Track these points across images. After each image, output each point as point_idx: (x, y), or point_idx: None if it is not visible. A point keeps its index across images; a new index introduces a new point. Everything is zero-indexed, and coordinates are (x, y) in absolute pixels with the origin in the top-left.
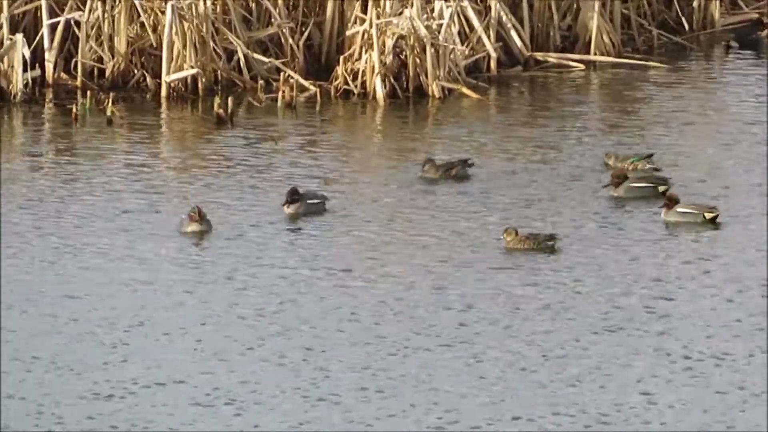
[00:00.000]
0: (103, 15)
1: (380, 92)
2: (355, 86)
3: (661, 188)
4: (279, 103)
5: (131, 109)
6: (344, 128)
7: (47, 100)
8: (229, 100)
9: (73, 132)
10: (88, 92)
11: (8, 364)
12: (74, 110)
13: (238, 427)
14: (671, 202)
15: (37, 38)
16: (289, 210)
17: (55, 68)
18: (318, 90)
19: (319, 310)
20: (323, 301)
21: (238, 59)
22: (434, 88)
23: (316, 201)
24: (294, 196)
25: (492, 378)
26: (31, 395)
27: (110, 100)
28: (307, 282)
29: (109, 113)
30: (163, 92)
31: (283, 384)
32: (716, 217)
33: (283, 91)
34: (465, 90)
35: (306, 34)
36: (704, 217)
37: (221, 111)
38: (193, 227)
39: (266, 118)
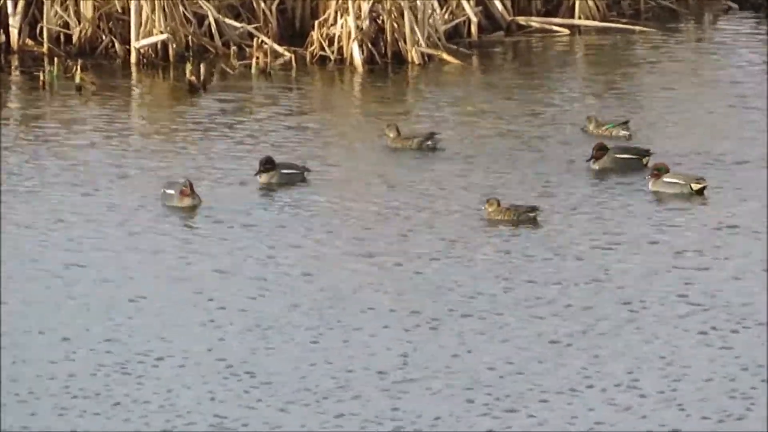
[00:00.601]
0: None
1: (358, 58)
2: (332, 52)
3: (645, 159)
4: (253, 70)
5: (100, 76)
6: (321, 95)
7: (13, 67)
8: (201, 67)
9: (41, 100)
10: (56, 59)
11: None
12: (42, 78)
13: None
14: (659, 172)
15: (0, 3)
16: (262, 179)
17: (19, 34)
18: (293, 56)
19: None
20: (341, 279)
21: (209, 24)
22: (413, 54)
23: (292, 171)
24: (267, 165)
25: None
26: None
27: (78, 67)
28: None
29: (78, 80)
30: (133, 59)
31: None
32: (704, 188)
33: (257, 58)
34: (445, 56)
35: None
36: (691, 188)
37: (193, 78)
38: (186, 202)
39: (240, 85)
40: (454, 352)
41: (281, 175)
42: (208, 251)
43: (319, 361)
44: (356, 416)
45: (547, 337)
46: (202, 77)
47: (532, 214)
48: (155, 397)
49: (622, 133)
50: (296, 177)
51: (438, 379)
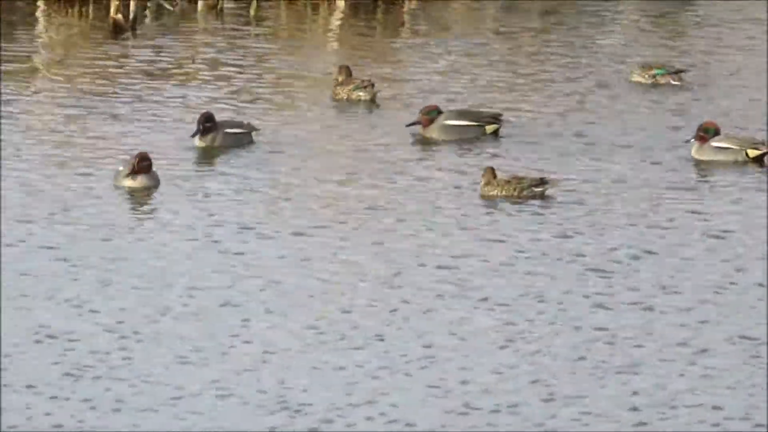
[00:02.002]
0: None
1: None
2: None
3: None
4: (199, 6)
5: None
6: (287, 41)
7: None
8: (131, 2)
9: None
10: None
11: None
12: None
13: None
14: (706, 134)
15: None
16: (199, 142)
17: None
18: None
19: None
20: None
21: None
22: None
23: (238, 131)
24: (207, 124)
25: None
26: None
27: None
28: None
29: None
30: None
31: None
32: (764, 155)
33: None
34: None
35: None
36: (747, 154)
37: (119, 16)
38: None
39: (181, 26)
40: None
41: (225, 136)
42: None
43: None
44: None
45: None
46: (131, 15)
47: (538, 189)
48: None
49: (673, 83)
50: (244, 138)
51: None
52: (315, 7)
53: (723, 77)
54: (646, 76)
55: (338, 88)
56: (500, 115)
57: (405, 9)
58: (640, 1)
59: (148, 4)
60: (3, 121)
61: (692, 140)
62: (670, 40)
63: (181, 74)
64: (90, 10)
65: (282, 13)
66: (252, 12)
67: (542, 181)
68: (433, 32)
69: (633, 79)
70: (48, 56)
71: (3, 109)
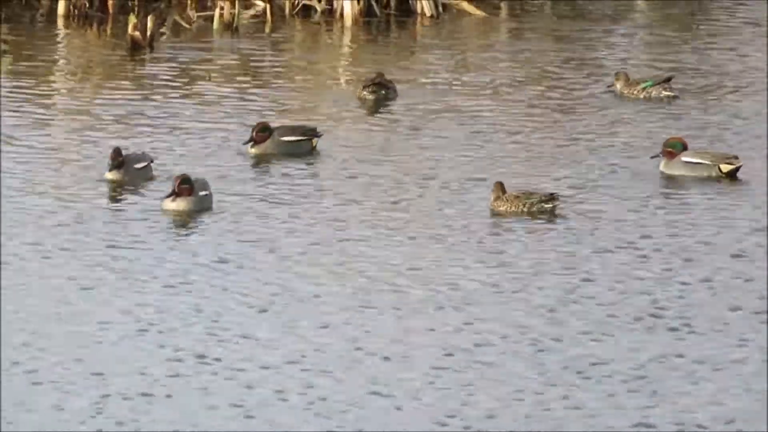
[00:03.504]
0: None
1: (349, 9)
2: (318, 0)
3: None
4: (215, 24)
5: (17, 31)
6: (300, 57)
7: None
8: (149, 20)
9: None
10: None
11: None
12: None
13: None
14: (673, 149)
15: None
16: (110, 175)
17: None
18: (268, 6)
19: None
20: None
21: None
22: (424, 4)
23: (142, 165)
24: (118, 158)
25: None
26: None
27: None
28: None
29: None
30: (61, 9)
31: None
32: (737, 169)
33: (221, 8)
34: (465, 5)
35: None
36: (720, 169)
37: (137, 33)
38: (112, 175)
39: (197, 43)
40: None
41: (133, 171)
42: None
43: None
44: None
45: None
46: (148, 33)
47: (548, 205)
48: None
49: (664, 93)
50: (147, 172)
51: None
52: (329, 24)
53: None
54: (635, 91)
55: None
56: (315, 128)
57: (418, 25)
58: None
59: (164, 23)
60: (23, 141)
61: (660, 155)
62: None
63: (197, 91)
64: (108, 28)
65: (296, 30)
66: (267, 29)
67: (552, 197)
68: (446, 47)
69: (624, 93)
70: (67, 73)
71: (23, 127)
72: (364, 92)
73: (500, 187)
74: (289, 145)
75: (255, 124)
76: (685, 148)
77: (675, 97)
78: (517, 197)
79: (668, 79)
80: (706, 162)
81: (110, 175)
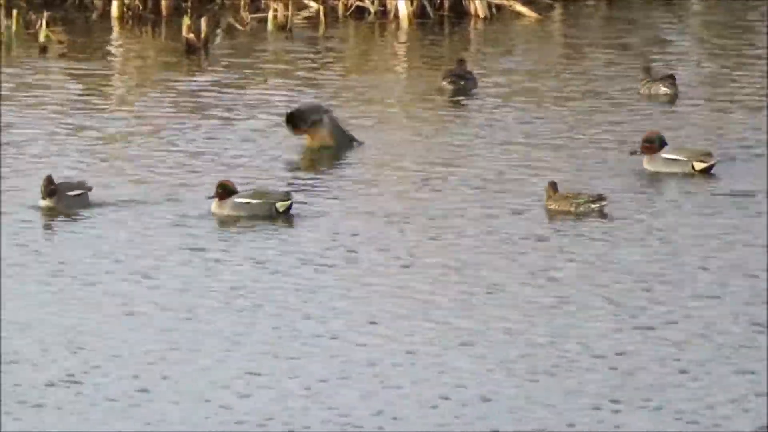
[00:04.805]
0: None
1: (404, 10)
2: (372, 2)
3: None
4: (269, 25)
5: (72, 33)
6: (355, 58)
7: None
8: (203, 22)
9: None
10: (14, 11)
11: None
12: None
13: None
14: (651, 144)
15: None
16: (45, 202)
17: None
18: (321, 7)
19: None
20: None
21: None
22: (477, 5)
23: (77, 192)
24: (51, 187)
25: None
26: None
27: (44, 22)
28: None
29: (42, 39)
30: (114, 11)
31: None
32: (711, 167)
33: (275, 9)
34: (519, 7)
35: None
36: (693, 167)
37: (192, 35)
38: (46, 202)
39: (251, 45)
40: None
41: (67, 199)
42: None
43: None
44: None
45: None
46: (202, 35)
47: (595, 205)
48: None
49: (663, 90)
50: (84, 199)
51: None
52: (382, 27)
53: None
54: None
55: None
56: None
57: (471, 27)
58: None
59: (218, 25)
60: (82, 141)
61: (638, 152)
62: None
63: (252, 94)
64: (162, 30)
65: (350, 32)
66: (320, 31)
67: (600, 197)
68: (499, 50)
69: (641, 92)
70: (122, 76)
71: (78, 128)
72: (444, 82)
73: (552, 186)
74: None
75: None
76: (663, 141)
77: (675, 96)
78: (565, 197)
79: (670, 77)
80: (682, 158)
81: (44, 202)
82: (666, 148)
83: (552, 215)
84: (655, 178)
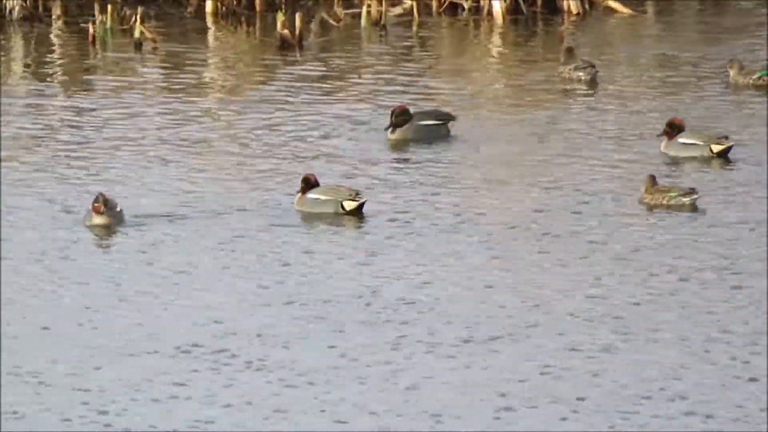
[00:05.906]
0: None
1: (498, 7)
2: None
3: (715, 147)
4: (363, 21)
5: (167, 29)
6: (449, 54)
7: (54, 17)
8: (297, 18)
9: (89, 60)
10: (109, 7)
11: None
12: (91, 31)
13: None
14: (672, 129)
15: None
16: (97, 220)
17: None
18: (415, 3)
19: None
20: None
21: None
22: (570, 2)
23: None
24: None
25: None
26: None
27: (138, 18)
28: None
29: (137, 35)
30: (209, 7)
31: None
32: (728, 149)
33: (369, 5)
34: (613, 3)
35: None
36: (711, 150)
37: (286, 31)
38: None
39: (345, 41)
40: None
41: (118, 214)
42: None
43: None
44: None
45: None
46: (297, 31)
47: (686, 199)
48: None
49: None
50: (121, 216)
51: None
52: (476, 23)
53: None
54: (750, 79)
55: (561, 67)
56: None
57: (564, 23)
58: None
59: (312, 20)
60: (179, 137)
61: (663, 135)
62: None
63: (348, 89)
64: (257, 26)
65: (443, 29)
66: (414, 27)
67: (692, 191)
68: (592, 47)
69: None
70: (218, 72)
71: (173, 124)
72: (579, 72)
73: (651, 180)
74: (426, 130)
75: (393, 108)
76: (681, 129)
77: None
78: (660, 191)
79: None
80: (699, 143)
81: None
82: (682, 133)
83: (649, 208)
84: (674, 162)
